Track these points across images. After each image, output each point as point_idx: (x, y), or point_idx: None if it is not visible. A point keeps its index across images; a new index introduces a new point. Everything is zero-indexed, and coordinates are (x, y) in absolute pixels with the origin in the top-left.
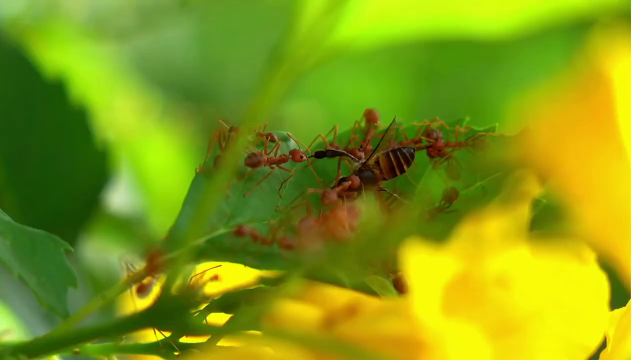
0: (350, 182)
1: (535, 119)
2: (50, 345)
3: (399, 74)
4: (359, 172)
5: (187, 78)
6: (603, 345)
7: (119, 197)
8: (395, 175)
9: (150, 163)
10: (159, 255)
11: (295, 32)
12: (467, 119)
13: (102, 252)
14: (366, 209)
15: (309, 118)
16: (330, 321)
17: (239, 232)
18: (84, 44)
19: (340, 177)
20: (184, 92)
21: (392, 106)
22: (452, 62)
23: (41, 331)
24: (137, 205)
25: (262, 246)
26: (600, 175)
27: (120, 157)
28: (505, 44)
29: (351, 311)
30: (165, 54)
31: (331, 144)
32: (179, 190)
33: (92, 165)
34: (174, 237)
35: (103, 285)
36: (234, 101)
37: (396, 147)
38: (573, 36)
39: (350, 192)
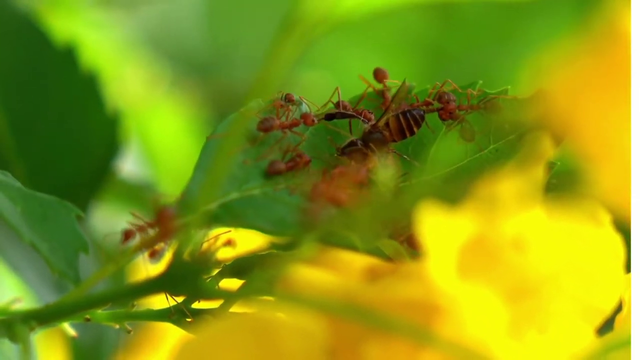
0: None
1: (551, 79)
2: (62, 312)
3: (409, 53)
4: (368, 133)
5: (197, 49)
6: (619, 308)
7: (129, 166)
8: (404, 137)
9: (158, 134)
10: (171, 220)
11: None
12: (480, 82)
13: (112, 220)
14: (381, 171)
15: (321, 87)
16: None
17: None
18: (93, 13)
19: (350, 139)
20: (193, 63)
21: None
22: (463, 41)
23: (51, 300)
24: (146, 174)
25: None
26: (616, 133)
27: (130, 125)
28: (517, 20)
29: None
30: (175, 23)
31: (343, 106)
32: (186, 161)
33: (103, 133)
34: (185, 202)
35: (112, 253)
36: (244, 73)
37: (406, 109)
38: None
39: (359, 155)
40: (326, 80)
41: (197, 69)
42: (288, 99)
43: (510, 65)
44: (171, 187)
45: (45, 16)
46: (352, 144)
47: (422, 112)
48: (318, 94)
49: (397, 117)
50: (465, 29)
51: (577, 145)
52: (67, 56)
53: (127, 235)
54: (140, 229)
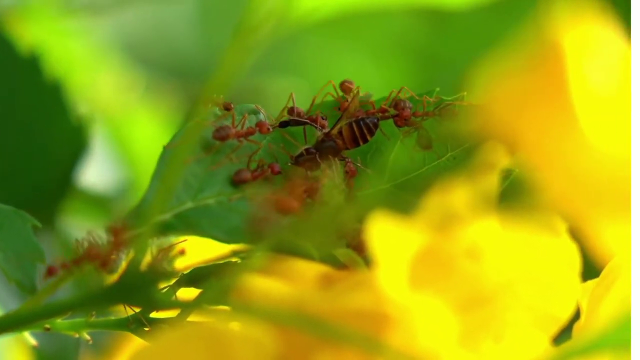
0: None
1: (493, 88)
2: (19, 321)
3: (401, 58)
4: (321, 142)
5: (179, 55)
6: (576, 316)
7: (97, 173)
8: (358, 145)
9: (135, 139)
10: (122, 231)
11: (258, 4)
12: (437, 89)
13: (79, 228)
14: (329, 180)
15: (296, 93)
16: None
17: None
18: (70, 19)
19: (303, 148)
20: (174, 69)
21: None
22: (454, 45)
23: (15, 307)
24: (119, 181)
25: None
26: (556, 145)
27: (98, 132)
28: (508, 24)
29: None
30: (160, 30)
31: (297, 112)
32: None
33: (68, 140)
34: (140, 212)
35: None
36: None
37: (360, 117)
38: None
39: (312, 164)
40: (299, 87)
41: (179, 75)
42: (225, 107)
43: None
44: None
45: (17, 24)
46: (305, 152)
47: (375, 120)
48: (297, 101)
49: (350, 125)
50: (457, 32)
51: (524, 155)
52: (31, 64)
53: (50, 271)
54: (64, 265)
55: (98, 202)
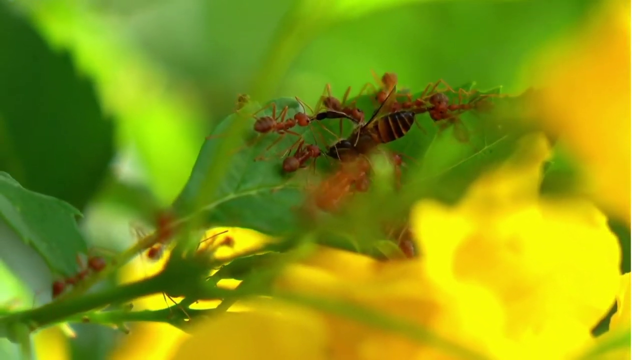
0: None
1: (548, 77)
2: (61, 312)
3: (405, 55)
4: (357, 135)
5: (194, 52)
6: (614, 308)
7: (126, 169)
8: (393, 138)
9: (154, 137)
10: (169, 221)
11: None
12: (474, 83)
13: (106, 223)
14: (378, 171)
15: (315, 89)
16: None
17: None
18: (90, 17)
19: (339, 140)
20: (190, 67)
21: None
22: (459, 43)
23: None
24: (142, 178)
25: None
26: (613, 131)
27: (126, 129)
28: (513, 22)
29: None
30: (172, 27)
31: (332, 103)
32: (182, 164)
33: (99, 135)
34: (183, 203)
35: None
36: (240, 76)
37: (396, 111)
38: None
39: (347, 156)
40: (321, 82)
41: (193, 73)
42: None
43: (507, 67)
44: (167, 190)
45: (42, 20)
46: (341, 145)
47: (410, 115)
48: (313, 96)
49: (385, 119)
50: (461, 31)
51: (573, 144)
52: (64, 60)
53: (57, 287)
54: (69, 281)
55: (124, 197)
